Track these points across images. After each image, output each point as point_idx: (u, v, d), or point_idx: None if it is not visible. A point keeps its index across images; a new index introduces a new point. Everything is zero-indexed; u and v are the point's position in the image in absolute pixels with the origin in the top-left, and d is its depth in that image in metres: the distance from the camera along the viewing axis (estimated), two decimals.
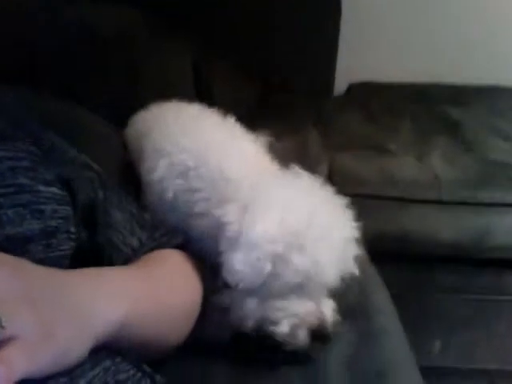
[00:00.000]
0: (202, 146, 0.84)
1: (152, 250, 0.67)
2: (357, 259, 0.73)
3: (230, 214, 0.72)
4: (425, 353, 1.42)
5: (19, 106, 0.62)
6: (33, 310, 0.40)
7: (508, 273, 1.46)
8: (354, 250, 0.73)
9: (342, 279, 0.72)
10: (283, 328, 0.70)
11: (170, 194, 0.84)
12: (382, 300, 0.89)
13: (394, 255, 1.40)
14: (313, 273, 0.68)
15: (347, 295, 0.76)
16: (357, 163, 1.55)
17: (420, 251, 1.43)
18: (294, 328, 0.70)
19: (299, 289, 0.70)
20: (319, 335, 0.71)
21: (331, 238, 0.70)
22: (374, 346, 0.79)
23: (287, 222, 0.69)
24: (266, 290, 0.69)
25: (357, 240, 0.74)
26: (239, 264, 0.68)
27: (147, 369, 0.53)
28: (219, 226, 0.73)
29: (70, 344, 0.43)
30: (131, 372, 0.50)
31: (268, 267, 0.68)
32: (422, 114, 1.89)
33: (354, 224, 0.74)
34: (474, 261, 1.44)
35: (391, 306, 0.90)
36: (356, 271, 0.73)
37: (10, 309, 0.38)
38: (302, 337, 0.71)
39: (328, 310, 0.72)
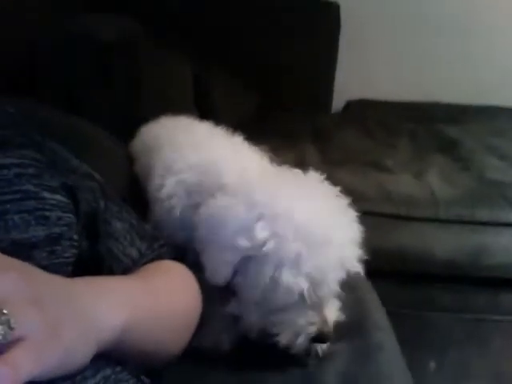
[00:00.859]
0: (208, 163, 0.85)
1: (151, 260, 0.67)
2: (359, 259, 0.73)
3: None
4: (419, 371, 1.42)
5: (21, 116, 0.62)
6: (40, 311, 0.40)
7: (504, 292, 1.46)
8: (356, 250, 0.73)
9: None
10: (282, 340, 0.71)
11: (177, 212, 0.84)
12: (379, 316, 0.89)
13: (390, 272, 1.40)
14: (317, 279, 0.68)
15: (345, 311, 0.76)
16: (354, 179, 1.55)
17: (416, 269, 1.43)
18: (292, 338, 0.71)
19: (301, 300, 0.70)
20: (319, 337, 0.72)
21: (334, 239, 0.70)
22: (370, 362, 0.79)
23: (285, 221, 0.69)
24: (268, 301, 0.69)
25: (359, 240, 0.74)
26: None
27: (146, 379, 0.53)
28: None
29: (76, 345, 0.43)
30: (131, 382, 0.50)
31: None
32: (420, 132, 1.91)
33: (356, 224, 0.74)
34: (470, 279, 1.44)
35: (388, 323, 0.90)
36: (360, 270, 0.73)
37: (18, 310, 0.38)
38: (301, 343, 0.71)
39: (331, 311, 0.73)
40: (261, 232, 0.68)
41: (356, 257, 0.73)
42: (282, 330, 0.71)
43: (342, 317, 0.74)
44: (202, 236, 0.74)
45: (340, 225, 0.72)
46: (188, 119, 1.10)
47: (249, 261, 0.69)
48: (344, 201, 0.75)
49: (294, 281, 0.67)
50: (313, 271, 0.68)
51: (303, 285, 0.68)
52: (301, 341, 0.71)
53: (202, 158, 0.86)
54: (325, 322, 0.71)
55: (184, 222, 0.83)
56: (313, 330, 0.71)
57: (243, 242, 0.68)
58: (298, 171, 0.78)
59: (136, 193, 0.98)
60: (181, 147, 0.92)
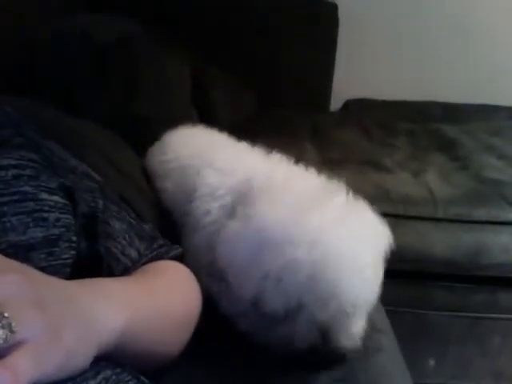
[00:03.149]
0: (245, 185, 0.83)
1: (150, 260, 0.67)
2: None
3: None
4: (419, 369, 1.42)
5: (19, 115, 0.62)
6: (41, 314, 0.40)
7: (502, 290, 1.46)
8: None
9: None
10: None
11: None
12: (377, 316, 0.89)
13: (388, 271, 1.39)
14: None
15: None
16: (352, 178, 1.54)
17: (414, 268, 1.43)
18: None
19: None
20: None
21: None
22: (369, 362, 0.79)
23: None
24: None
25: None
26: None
27: (145, 380, 0.53)
28: None
29: (77, 347, 0.43)
30: (131, 383, 0.50)
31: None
32: (418, 132, 1.91)
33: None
34: (468, 278, 1.44)
35: (387, 322, 0.90)
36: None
37: (19, 313, 0.38)
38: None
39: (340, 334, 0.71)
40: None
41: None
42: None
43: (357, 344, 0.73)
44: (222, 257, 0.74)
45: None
46: (219, 133, 1.09)
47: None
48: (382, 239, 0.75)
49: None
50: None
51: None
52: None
53: (238, 179, 0.85)
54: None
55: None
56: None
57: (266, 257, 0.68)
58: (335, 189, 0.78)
59: (139, 194, 0.98)
60: (220, 169, 0.90)
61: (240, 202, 0.77)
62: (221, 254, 0.73)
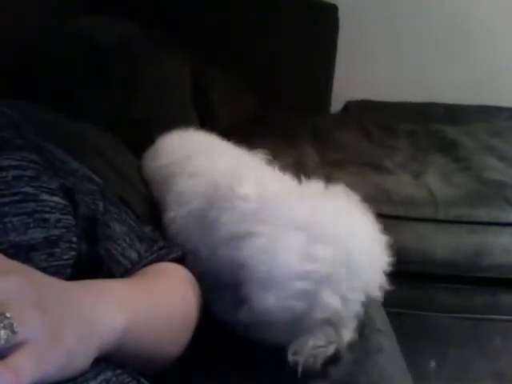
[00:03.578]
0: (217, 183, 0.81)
1: (150, 262, 0.67)
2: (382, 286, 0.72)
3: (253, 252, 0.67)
4: (420, 371, 1.42)
5: (20, 118, 0.62)
6: (42, 314, 0.40)
7: (503, 292, 1.46)
8: (381, 278, 0.72)
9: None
10: (299, 360, 0.68)
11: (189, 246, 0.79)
12: (378, 317, 0.89)
13: (389, 273, 1.39)
14: (341, 309, 0.66)
15: None
16: (353, 180, 1.55)
17: (415, 269, 1.43)
18: (309, 359, 0.69)
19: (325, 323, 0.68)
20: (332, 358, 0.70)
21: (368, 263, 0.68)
22: (370, 364, 0.79)
23: (313, 256, 0.64)
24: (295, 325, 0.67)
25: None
26: (271, 303, 0.64)
27: (146, 382, 0.53)
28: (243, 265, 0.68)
29: (77, 348, 0.43)
30: None
31: (300, 305, 0.65)
32: (419, 133, 1.91)
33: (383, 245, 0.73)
34: (469, 279, 1.44)
35: (388, 324, 0.90)
36: (380, 297, 0.73)
37: (20, 314, 0.38)
38: (316, 364, 0.69)
39: (348, 332, 0.70)
40: (322, 252, 0.64)
41: (379, 284, 0.72)
42: (301, 349, 0.68)
43: (356, 337, 0.72)
44: (252, 273, 0.67)
45: (372, 246, 0.70)
46: (210, 137, 1.07)
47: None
48: (369, 216, 0.74)
49: (330, 301, 0.65)
50: (347, 293, 0.66)
51: (337, 304, 0.65)
52: (316, 362, 0.68)
53: (214, 180, 0.82)
54: (341, 341, 0.69)
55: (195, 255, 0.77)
56: (331, 350, 0.68)
57: (311, 267, 0.64)
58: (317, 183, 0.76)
59: (138, 198, 0.98)
60: (192, 175, 0.88)
61: (212, 204, 0.75)
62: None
